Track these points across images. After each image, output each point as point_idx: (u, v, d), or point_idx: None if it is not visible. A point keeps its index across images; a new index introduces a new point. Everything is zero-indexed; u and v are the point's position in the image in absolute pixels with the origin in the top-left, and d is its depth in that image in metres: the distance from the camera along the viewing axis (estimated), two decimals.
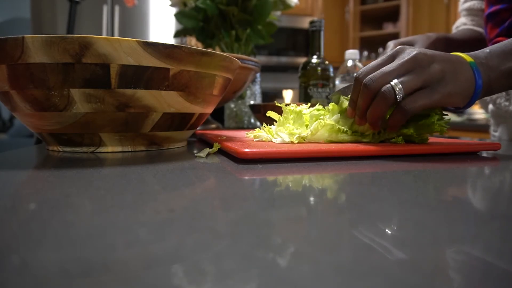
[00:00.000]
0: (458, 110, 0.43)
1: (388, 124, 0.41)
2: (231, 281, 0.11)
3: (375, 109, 0.39)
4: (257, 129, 0.46)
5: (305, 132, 0.41)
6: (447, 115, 0.43)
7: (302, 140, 0.41)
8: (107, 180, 0.26)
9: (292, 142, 0.40)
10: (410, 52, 0.39)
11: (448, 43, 0.71)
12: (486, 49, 0.43)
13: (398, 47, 0.41)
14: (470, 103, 0.41)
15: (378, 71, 0.39)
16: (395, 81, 0.38)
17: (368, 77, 0.39)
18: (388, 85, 0.38)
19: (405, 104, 0.38)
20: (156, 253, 0.13)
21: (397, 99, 0.38)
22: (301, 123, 0.43)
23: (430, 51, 0.39)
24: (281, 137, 0.41)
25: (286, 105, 0.45)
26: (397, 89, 0.38)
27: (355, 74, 0.41)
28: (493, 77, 0.41)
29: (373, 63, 0.41)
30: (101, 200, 0.20)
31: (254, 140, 0.44)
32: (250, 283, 0.11)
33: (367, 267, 0.12)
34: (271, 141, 0.42)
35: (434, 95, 0.38)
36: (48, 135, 0.39)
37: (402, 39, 0.67)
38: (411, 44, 0.66)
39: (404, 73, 0.38)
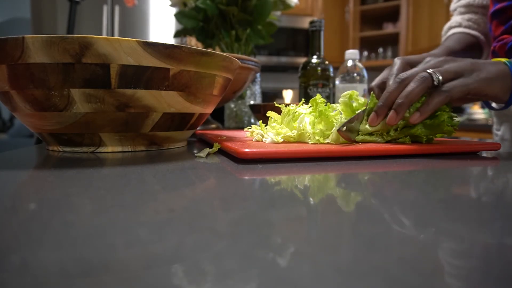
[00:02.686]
0: (503, 107, 0.43)
1: (422, 110, 0.39)
2: (231, 281, 0.11)
3: (409, 91, 0.38)
4: (254, 126, 0.46)
5: (291, 132, 0.42)
6: (456, 116, 0.43)
7: (290, 139, 0.42)
8: (107, 180, 0.26)
9: (278, 142, 0.41)
10: (434, 57, 0.40)
11: (452, 56, 0.71)
12: None
13: (443, 57, 0.41)
14: (510, 102, 0.42)
15: (408, 72, 0.39)
16: (431, 69, 0.38)
17: (400, 74, 0.39)
18: (425, 72, 0.38)
19: (444, 87, 0.38)
20: (156, 253, 0.13)
21: (434, 83, 0.38)
22: (289, 123, 0.43)
23: (471, 59, 0.40)
24: (270, 136, 0.42)
25: (286, 105, 0.45)
26: (434, 75, 0.38)
27: (371, 85, 0.41)
28: None
29: (387, 72, 0.42)
30: (101, 200, 0.20)
31: (250, 135, 0.45)
32: (250, 283, 0.11)
33: (367, 267, 0.12)
34: (262, 141, 0.42)
35: (472, 81, 0.39)
36: (48, 135, 0.39)
37: (408, 57, 0.65)
38: (418, 62, 0.66)
39: (437, 67, 0.39)
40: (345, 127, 0.40)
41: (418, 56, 0.66)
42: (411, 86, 0.38)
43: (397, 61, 0.62)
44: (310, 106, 0.45)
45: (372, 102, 0.42)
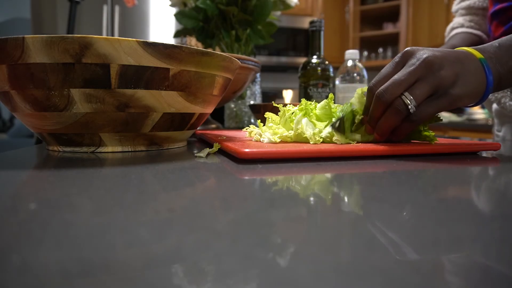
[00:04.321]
0: (468, 107, 0.43)
1: (395, 134, 0.41)
2: (231, 281, 0.11)
3: (386, 122, 0.39)
4: (252, 126, 0.46)
5: (287, 132, 0.42)
6: (441, 119, 0.43)
7: (287, 139, 0.42)
8: (107, 180, 0.26)
9: (275, 142, 0.41)
10: (419, 57, 0.38)
11: None
12: (495, 43, 0.42)
13: (406, 49, 0.41)
14: (481, 101, 0.41)
15: (389, 82, 0.39)
16: (406, 93, 0.38)
17: (379, 89, 0.39)
18: (399, 99, 0.38)
19: (414, 115, 0.38)
20: (156, 253, 0.13)
21: (409, 111, 0.38)
22: (286, 123, 0.43)
23: (439, 53, 0.39)
24: (267, 137, 0.42)
25: (284, 105, 0.45)
26: (409, 101, 0.38)
27: (368, 85, 0.41)
28: (502, 72, 0.41)
29: (383, 71, 0.41)
30: (101, 200, 0.20)
31: (249, 135, 0.45)
32: (250, 283, 0.11)
33: (367, 267, 0.12)
34: (260, 141, 0.42)
35: (444, 102, 0.38)
36: (48, 135, 0.39)
37: None
38: None
39: (414, 81, 0.38)
40: (338, 123, 0.42)
41: None
42: (386, 118, 0.39)
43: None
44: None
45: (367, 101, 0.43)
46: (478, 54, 0.40)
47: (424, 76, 0.38)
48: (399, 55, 0.41)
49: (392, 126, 0.40)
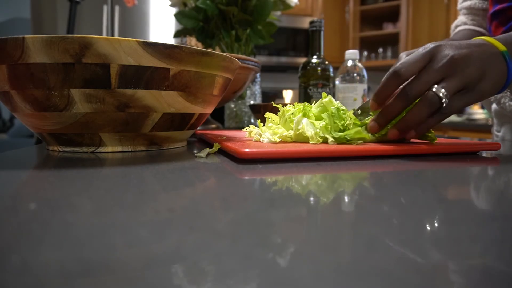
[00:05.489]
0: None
1: (421, 128, 0.40)
2: (231, 281, 0.11)
3: (415, 115, 0.39)
4: (251, 126, 0.46)
5: (287, 132, 0.42)
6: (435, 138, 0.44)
7: (287, 139, 0.42)
8: (107, 180, 0.26)
9: (275, 142, 0.41)
10: (447, 54, 0.38)
11: None
12: None
13: (433, 45, 0.40)
14: (502, 90, 0.42)
15: (417, 79, 0.38)
16: (437, 86, 0.38)
17: (407, 85, 0.39)
18: (431, 91, 0.38)
19: (445, 108, 0.38)
20: (156, 253, 0.13)
21: (442, 104, 0.38)
22: (285, 123, 0.43)
23: (465, 49, 0.39)
24: (267, 137, 0.42)
25: (283, 105, 0.45)
26: (442, 94, 0.38)
27: (392, 68, 0.40)
28: None
29: (411, 58, 0.40)
30: (101, 200, 0.20)
31: (249, 135, 0.45)
32: (250, 283, 0.11)
33: (367, 267, 0.12)
34: (260, 141, 0.43)
35: (473, 96, 0.39)
36: (48, 135, 0.39)
37: (413, 50, 0.66)
38: None
39: (443, 78, 0.38)
40: (359, 110, 0.43)
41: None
42: (415, 111, 0.39)
43: (403, 56, 0.63)
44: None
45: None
46: (502, 47, 0.41)
47: (452, 73, 0.38)
48: (425, 48, 0.40)
49: (422, 120, 0.39)
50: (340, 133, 0.41)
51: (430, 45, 0.40)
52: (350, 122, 0.42)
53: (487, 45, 0.41)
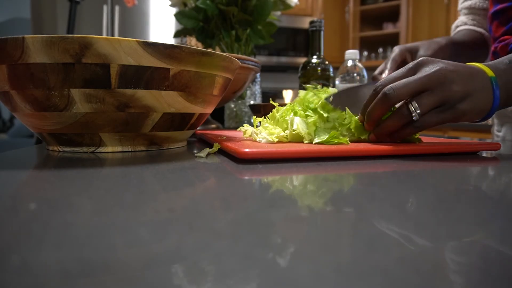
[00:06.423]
0: (473, 122, 0.43)
1: (393, 136, 0.41)
2: (231, 281, 0.11)
3: (388, 125, 0.40)
4: (245, 125, 0.46)
5: (283, 132, 0.42)
6: (420, 139, 0.44)
7: (284, 139, 0.42)
8: (107, 180, 0.26)
9: (273, 142, 0.41)
10: (433, 68, 0.38)
11: (456, 47, 0.72)
12: (506, 60, 0.42)
13: (420, 58, 0.41)
14: (486, 118, 0.41)
15: (400, 82, 0.39)
16: (413, 102, 0.38)
17: (389, 86, 0.39)
18: (405, 105, 0.39)
19: (418, 122, 0.39)
20: (156, 253, 0.13)
21: (413, 119, 0.38)
22: (278, 123, 0.44)
23: (452, 66, 0.39)
24: (265, 137, 0.42)
25: (280, 105, 0.46)
26: (413, 109, 0.38)
27: (375, 84, 0.41)
28: (511, 90, 0.41)
29: (394, 74, 0.41)
30: (101, 200, 0.20)
31: (244, 134, 0.45)
32: (250, 283, 0.11)
33: (367, 267, 0.12)
34: (256, 140, 0.43)
35: (449, 115, 0.39)
36: (48, 135, 0.39)
37: (408, 44, 0.67)
38: (417, 49, 0.66)
39: (424, 90, 0.38)
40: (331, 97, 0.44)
41: (416, 43, 0.67)
42: (388, 121, 0.40)
43: (396, 49, 0.64)
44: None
45: None
46: (490, 72, 0.40)
47: (434, 88, 0.38)
48: (413, 62, 0.41)
49: (392, 130, 0.40)
50: (323, 137, 0.41)
51: (418, 60, 0.41)
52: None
53: (476, 68, 0.40)
